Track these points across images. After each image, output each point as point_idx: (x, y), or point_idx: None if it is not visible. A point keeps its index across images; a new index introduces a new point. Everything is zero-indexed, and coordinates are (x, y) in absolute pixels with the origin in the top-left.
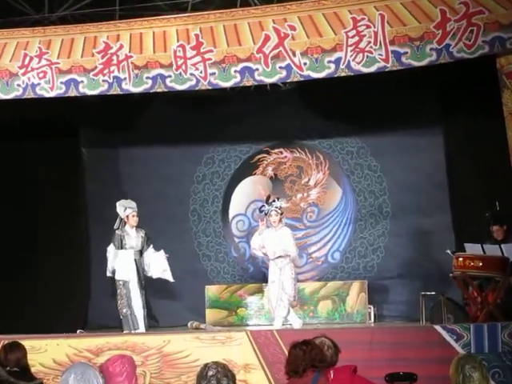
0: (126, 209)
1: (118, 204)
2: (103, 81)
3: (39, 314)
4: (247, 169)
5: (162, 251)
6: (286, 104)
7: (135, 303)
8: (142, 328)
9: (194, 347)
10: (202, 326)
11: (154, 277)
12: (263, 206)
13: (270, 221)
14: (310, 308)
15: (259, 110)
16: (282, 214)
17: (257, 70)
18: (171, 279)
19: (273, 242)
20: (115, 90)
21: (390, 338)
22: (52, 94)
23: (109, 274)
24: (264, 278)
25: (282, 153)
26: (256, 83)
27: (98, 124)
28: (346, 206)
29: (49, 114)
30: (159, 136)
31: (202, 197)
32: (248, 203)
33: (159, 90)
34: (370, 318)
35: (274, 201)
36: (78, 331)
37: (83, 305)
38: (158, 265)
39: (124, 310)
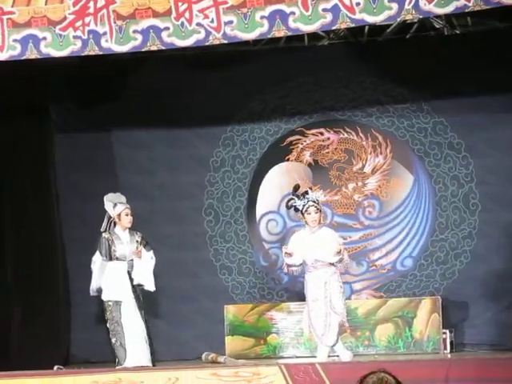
0: (116, 205)
1: (105, 199)
2: (75, 37)
3: (2, 346)
4: (277, 153)
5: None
6: (329, 65)
7: (130, 330)
8: (141, 361)
9: None
10: (221, 358)
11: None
12: (292, 199)
13: (308, 220)
14: (364, 334)
15: (291, 75)
16: (320, 210)
17: (292, 14)
18: (152, 288)
19: (311, 248)
20: (92, 50)
21: (473, 374)
22: (2, 57)
23: (93, 292)
24: (303, 294)
25: (322, 134)
26: (290, 33)
27: (76, 96)
28: (419, 198)
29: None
30: (161, 109)
31: (220, 189)
32: (281, 197)
33: (154, 49)
34: (445, 347)
35: (306, 192)
36: (56, 367)
37: (62, 334)
38: (140, 267)
39: (115, 340)
